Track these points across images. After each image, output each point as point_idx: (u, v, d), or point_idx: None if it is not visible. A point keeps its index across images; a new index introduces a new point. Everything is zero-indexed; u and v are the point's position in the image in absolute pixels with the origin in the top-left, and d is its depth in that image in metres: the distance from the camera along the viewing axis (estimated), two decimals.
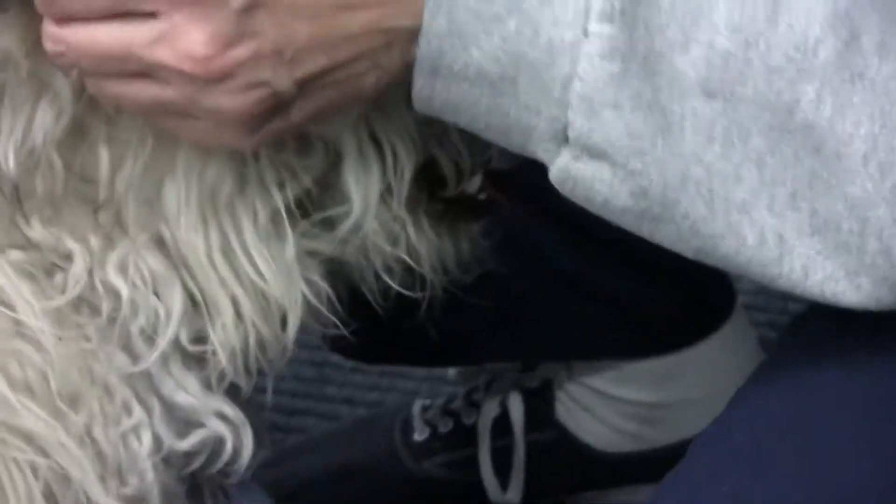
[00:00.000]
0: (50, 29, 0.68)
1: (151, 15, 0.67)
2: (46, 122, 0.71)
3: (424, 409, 1.27)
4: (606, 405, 1.22)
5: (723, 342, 1.21)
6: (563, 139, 0.68)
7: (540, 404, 1.25)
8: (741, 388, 0.83)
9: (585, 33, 0.66)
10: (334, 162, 0.75)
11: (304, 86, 0.69)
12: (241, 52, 0.67)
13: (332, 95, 0.70)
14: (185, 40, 0.67)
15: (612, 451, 1.24)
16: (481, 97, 0.69)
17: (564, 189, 0.70)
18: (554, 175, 0.69)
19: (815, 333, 0.75)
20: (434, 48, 0.67)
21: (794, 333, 0.82)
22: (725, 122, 0.68)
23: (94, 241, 0.74)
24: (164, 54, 0.67)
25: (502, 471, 1.25)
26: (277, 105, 0.69)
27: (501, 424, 1.24)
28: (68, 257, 0.73)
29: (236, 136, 0.70)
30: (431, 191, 0.79)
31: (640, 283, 1.15)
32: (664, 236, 0.70)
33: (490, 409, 1.24)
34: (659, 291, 1.16)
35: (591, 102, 0.67)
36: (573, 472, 1.25)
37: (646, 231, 0.70)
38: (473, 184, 0.81)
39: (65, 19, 0.68)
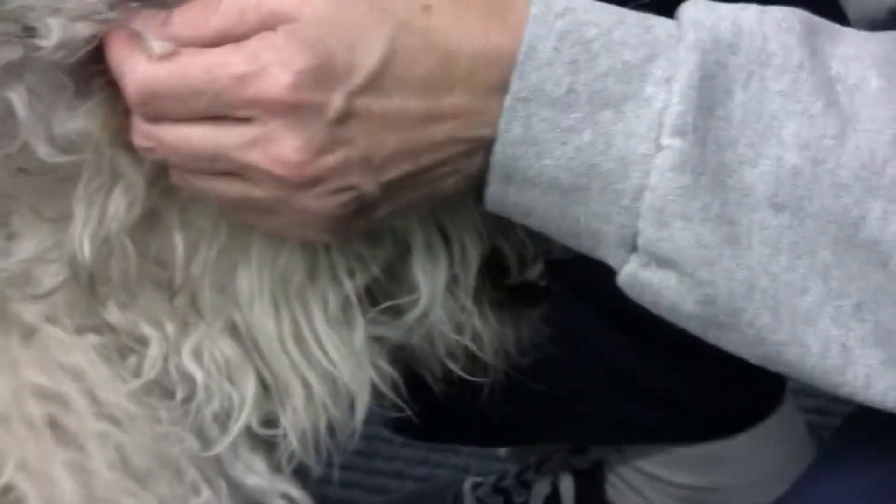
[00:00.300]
0: (141, 126, 0.69)
1: (245, 119, 0.68)
2: (120, 210, 0.71)
3: (475, 486, 1.27)
4: (656, 488, 1.22)
5: (771, 429, 1.20)
6: (632, 246, 0.69)
7: (591, 485, 1.24)
8: (802, 475, 0.82)
9: (658, 147, 0.67)
10: (403, 252, 0.76)
11: (389, 188, 0.69)
12: (332, 159, 0.68)
13: (413, 196, 0.71)
14: (280, 146, 0.67)
15: None
16: (553, 204, 0.69)
17: (631, 293, 0.70)
18: (622, 280, 0.70)
19: (876, 424, 0.74)
20: (508, 155, 0.68)
21: (852, 423, 0.81)
22: (792, 236, 0.68)
23: (170, 327, 0.74)
24: (256, 157, 0.67)
25: None
26: (362, 206, 0.70)
27: (552, 503, 1.25)
28: (143, 341, 0.74)
29: (319, 232, 0.71)
30: (495, 279, 0.79)
31: (690, 373, 1.12)
32: (729, 343, 0.70)
33: (541, 489, 1.24)
34: (709, 380, 1.13)
35: (661, 213, 0.67)
36: None
37: (711, 337, 0.70)
38: (535, 271, 0.81)
39: (157, 118, 0.69)
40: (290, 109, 0.66)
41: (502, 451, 1.32)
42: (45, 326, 0.73)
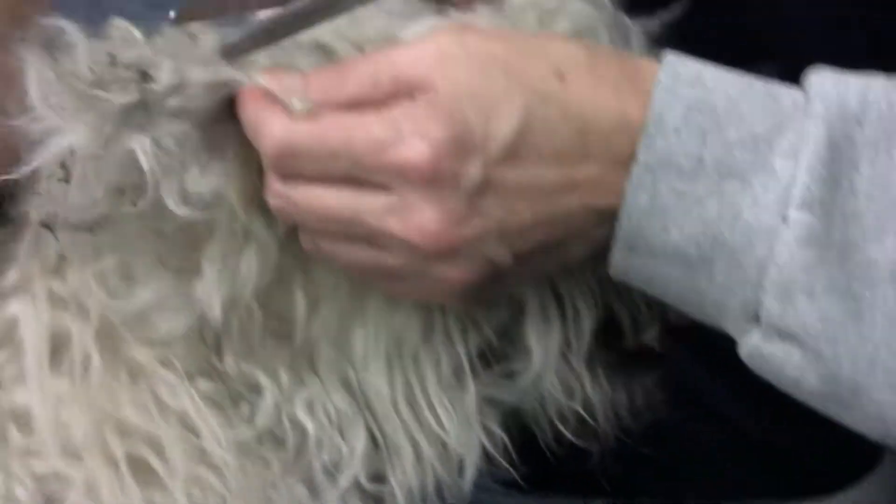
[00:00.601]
0: (276, 185, 0.69)
1: (381, 186, 0.68)
2: (252, 272, 0.72)
3: None
4: None
5: (873, 485, 1.19)
6: (755, 319, 0.68)
7: None
8: None
9: (785, 220, 0.67)
10: (516, 314, 0.76)
11: (521, 258, 0.69)
12: (468, 230, 0.68)
13: (543, 265, 0.71)
14: (418, 216, 0.67)
15: None
16: (677, 274, 0.69)
17: (753, 365, 0.70)
18: (743, 351, 0.69)
19: None
20: (634, 224, 0.68)
21: None
22: None
23: (285, 378, 0.74)
24: (393, 225, 0.67)
25: None
26: (493, 275, 0.70)
27: None
28: (257, 390, 0.74)
29: (449, 299, 0.71)
30: (608, 342, 0.79)
31: (796, 428, 1.09)
32: (851, 419, 0.70)
33: None
34: (814, 436, 1.07)
35: (785, 288, 0.67)
36: None
37: (832, 412, 0.70)
38: (650, 335, 0.80)
39: (292, 177, 0.69)
40: (428, 179, 0.67)
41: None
42: (157, 368, 0.74)
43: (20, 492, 0.72)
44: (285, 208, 0.69)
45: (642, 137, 0.67)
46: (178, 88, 0.68)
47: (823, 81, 0.68)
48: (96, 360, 0.74)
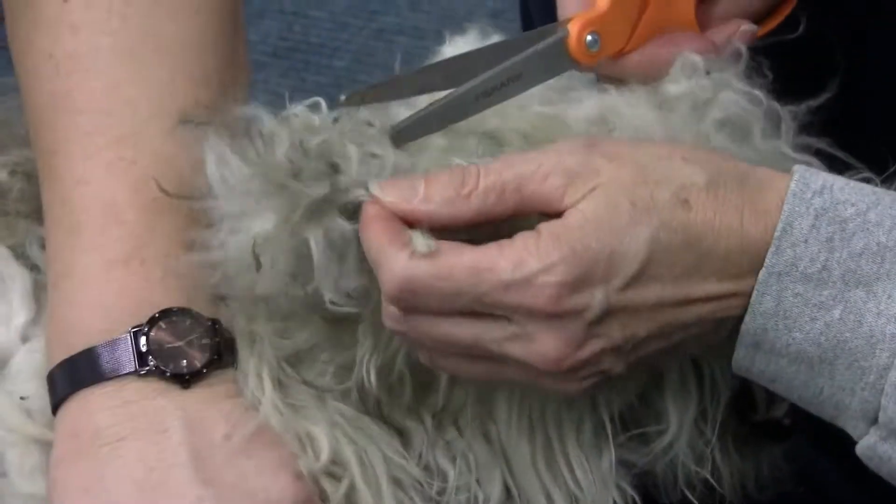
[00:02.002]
0: (393, 312, 0.68)
1: (503, 317, 0.67)
2: (404, 346, 0.72)
3: None
4: None
5: None
6: (873, 420, 0.68)
7: None
8: None
9: None
10: (657, 381, 0.76)
11: (634, 365, 0.70)
12: (587, 351, 0.68)
13: (655, 363, 0.73)
14: (539, 345, 0.67)
15: None
16: (798, 374, 0.69)
17: (870, 464, 0.69)
18: (860, 450, 0.69)
19: None
20: (759, 325, 0.68)
21: None
22: None
23: (430, 423, 0.75)
24: (516, 351, 0.68)
25: None
26: (607, 380, 0.70)
27: None
28: (403, 432, 0.75)
29: (565, 392, 0.72)
30: (741, 414, 0.79)
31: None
32: None
33: None
34: None
35: None
36: None
37: None
38: (780, 409, 0.80)
39: (411, 310, 0.68)
40: (552, 316, 0.67)
41: None
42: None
43: None
44: (403, 332, 0.69)
45: (772, 243, 0.67)
46: (361, 183, 0.68)
47: None
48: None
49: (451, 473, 0.75)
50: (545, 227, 0.67)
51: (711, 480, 0.77)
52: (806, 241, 0.67)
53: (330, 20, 1.90)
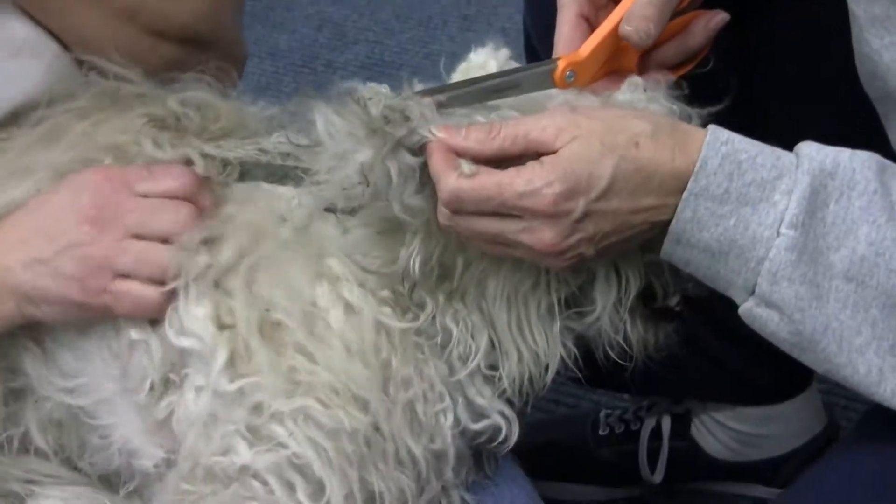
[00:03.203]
0: (446, 213, 0.81)
1: (517, 216, 0.79)
2: (439, 249, 0.87)
3: (607, 415, 1.44)
4: (724, 431, 1.38)
5: (802, 400, 1.35)
6: (751, 292, 0.78)
7: (681, 423, 1.39)
8: (832, 450, 0.93)
9: (778, 234, 0.76)
10: (591, 279, 0.90)
11: (600, 251, 0.82)
12: (571, 241, 0.80)
13: (613, 250, 0.83)
14: (540, 234, 0.79)
15: (723, 459, 1.38)
16: (704, 260, 0.79)
17: (747, 321, 0.79)
18: (742, 311, 0.79)
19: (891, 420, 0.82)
20: (680, 228, 0.78)
21: (873, 417, 0.87)
22: (855, 298, 0.76)
23: (441, 298, 0.88)
24: (524, 238, 0.80)
25: (651, 461, 1.40)
26: (582, 260, 0.82)
27: (655, 432, 1.40)
28: (421, 304, 0.89)
29: (551, 266, 0.84)
30: (645, 301, 0.93)
31: (756, 360, 1.21)
32: (806, 359, 0.79)
33: (649, 423, 1.41)
34: (768, 366, 1.23)
35: (774, 276, 0.76)
36: (695, 468, 1.39)
37: (795, 353, 0.79)
38: (673, 301, 0.94)
39: (457, 212, 0.80)
40: (549, 215, 0.79)
41: (626, 395, 1.46)
42: (357, 283, 0.88)
43: None
44: (452, 227, 0.82)
45: (692, 175, 0.77)
46: (416, 132, 0.81)
47: (810, 149, 0.79)
48: None
49: (455, 331, 0.88)
50: (546, 159, 0.77)
51: (622, 343, 0.91)
52: (714, 174, 0.77)
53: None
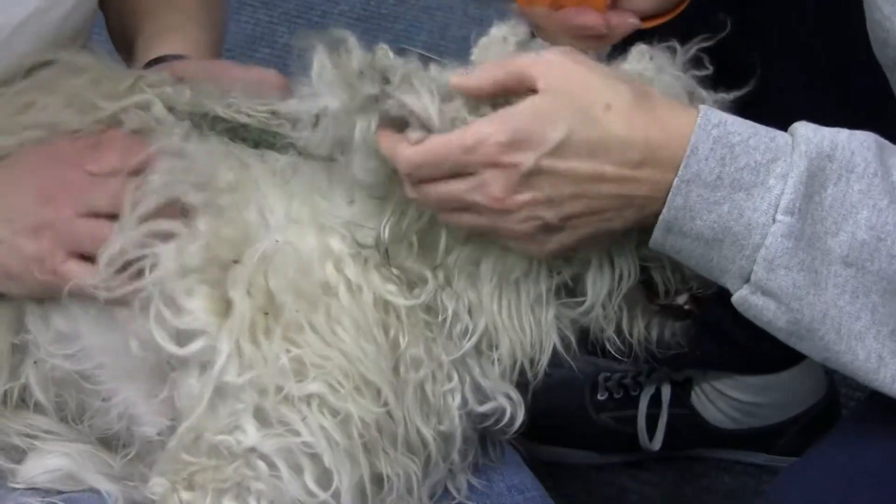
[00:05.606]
0: (409, 186, 0.80)
1: (470, 174, 0.77)
2: (414, 218, 0.84)
3: (606, 379, 1.45)
4: (723, 400, 1.39)
5: (801, 370, 1.36)
6: (746, 279, 0.76)
7: (681, 391, 1.41)
8: (832, 433, 0.89)
9: (773, 220, 0.74)
10: (583, 269, 0.88)
11: (568, 221, 0.78)
12: (522, 197, 0.77)
13: (588, 229, 0.79)
14: (490, 188, 0.77)
15: (722, 427, 1.40)
16: (697, 248, 0.76)
17: (741, 309, 0.77)
18: (735, 299, 0.77)
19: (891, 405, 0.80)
20: (671, 216, 0.75)
21: (873, 401, 0.85)
22: (855, 283, 0.74)
23: (441, 277, 0.87)
24: (477, 197, 0.78)
25: (650, 428, 1.41)
26: (548, 231, 0.78)
27: (655, 399, 1.41)
28: (423, 280, 0.87)
29: (525, 245, 0.81)
30: (649, 298, 0.91)
31: (757, 329, 1.08)
32: (804, 347, 0.77)
33: (649, 389, 1.42)
34: (769, 335, 1.10)
35: (770, 263, 0.74)
36: (694, 436, 1.41)
37: (792, 342, 0.77)
38: (681, 300, 0.91)
39: (418, 182, 0.79)
40: (495, 165, 0.76)
41: (627, 360, 1.32)
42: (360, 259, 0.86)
43: None
44: (420, 200, 0.80)
45: (682, 160, 0.74)
46: (391, 94, 0.78)
47: (806, 130, 0.76)
48: None
49: (451, 309, 0.86)
50: (500, 111, 0.76)
51: (613, 337, 0.89)
52: (706, 159, 0.74)
53: None
